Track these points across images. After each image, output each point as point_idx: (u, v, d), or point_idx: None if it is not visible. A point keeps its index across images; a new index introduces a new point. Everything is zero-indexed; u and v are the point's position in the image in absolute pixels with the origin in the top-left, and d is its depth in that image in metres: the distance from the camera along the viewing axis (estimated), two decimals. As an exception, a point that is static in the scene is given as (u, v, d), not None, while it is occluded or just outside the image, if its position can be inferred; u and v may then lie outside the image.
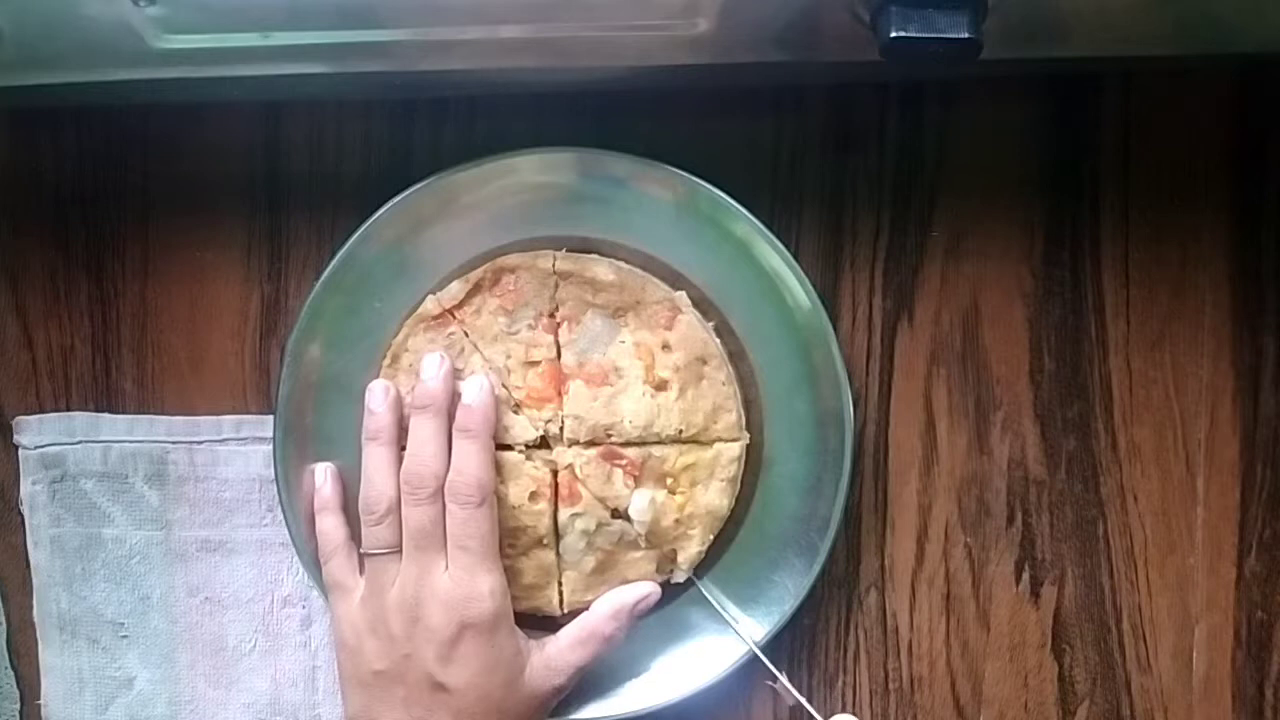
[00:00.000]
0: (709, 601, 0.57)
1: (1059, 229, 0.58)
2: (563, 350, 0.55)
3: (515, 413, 0.55)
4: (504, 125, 0.58)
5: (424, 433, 0.53)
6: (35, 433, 0.59)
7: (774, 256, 0.55)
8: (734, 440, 0.56)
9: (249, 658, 0.59)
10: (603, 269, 0.55)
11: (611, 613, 0.54)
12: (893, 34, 0.44)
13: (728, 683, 0.56)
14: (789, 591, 0.56)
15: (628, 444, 0.55)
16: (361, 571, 0.54)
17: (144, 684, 0.59)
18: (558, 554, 0.55)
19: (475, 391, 0.53)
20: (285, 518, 0.56)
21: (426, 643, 0.51)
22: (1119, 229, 0.58)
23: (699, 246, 0.56)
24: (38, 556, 0.59)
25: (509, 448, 0.55)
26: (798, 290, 0.55)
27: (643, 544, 0.55)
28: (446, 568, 0.52)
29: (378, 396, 0.54)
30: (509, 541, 0.55)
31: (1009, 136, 0.58)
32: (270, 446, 0.56)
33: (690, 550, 0.56)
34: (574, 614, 0.56)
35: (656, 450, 0.55)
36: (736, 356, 0.56)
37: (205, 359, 0.59)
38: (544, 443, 0.55)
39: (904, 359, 0.59)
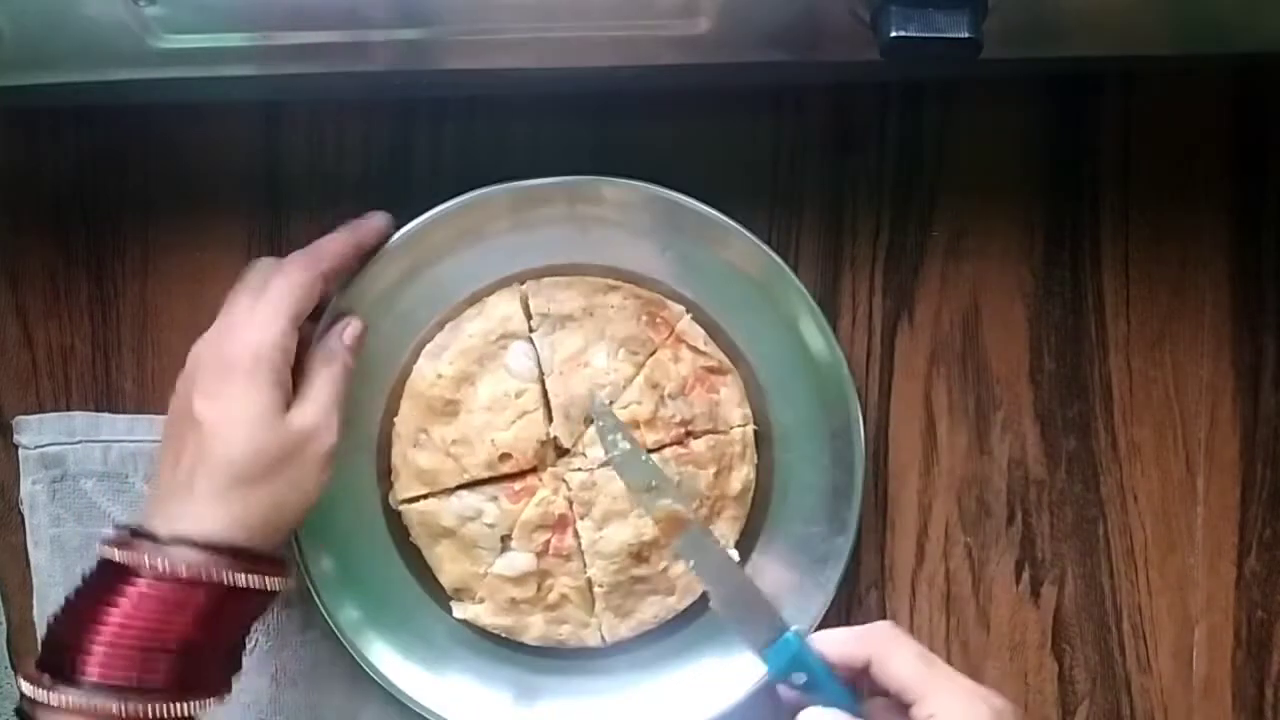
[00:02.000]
0: (718, 629, 0.56)
1: (1059, 229, 0.58)
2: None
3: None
4: (504, 125, 0.58)
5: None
6: (35, 432, 0.59)
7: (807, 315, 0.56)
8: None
9: (249, 657, 0.59)
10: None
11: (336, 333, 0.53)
12: (893, 33, 0.44)
13: (741, 711, 0.56)
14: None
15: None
16: None
17: (144, 684, 0.59)
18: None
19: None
20: None
21: (201, 374, 0.49)
22: (1119, 229, 0.58)
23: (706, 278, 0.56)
24: (38, 556, 0.59)
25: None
26: (816, 338, 0.56)
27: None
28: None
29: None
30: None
31: (1009, 136, 0.58)
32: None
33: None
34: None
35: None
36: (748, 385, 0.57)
37: (205, 359, 0.59)
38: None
39: (904, 359, 0.59)
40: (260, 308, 0.50)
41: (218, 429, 0.48)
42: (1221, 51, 0.53)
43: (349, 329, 0.53)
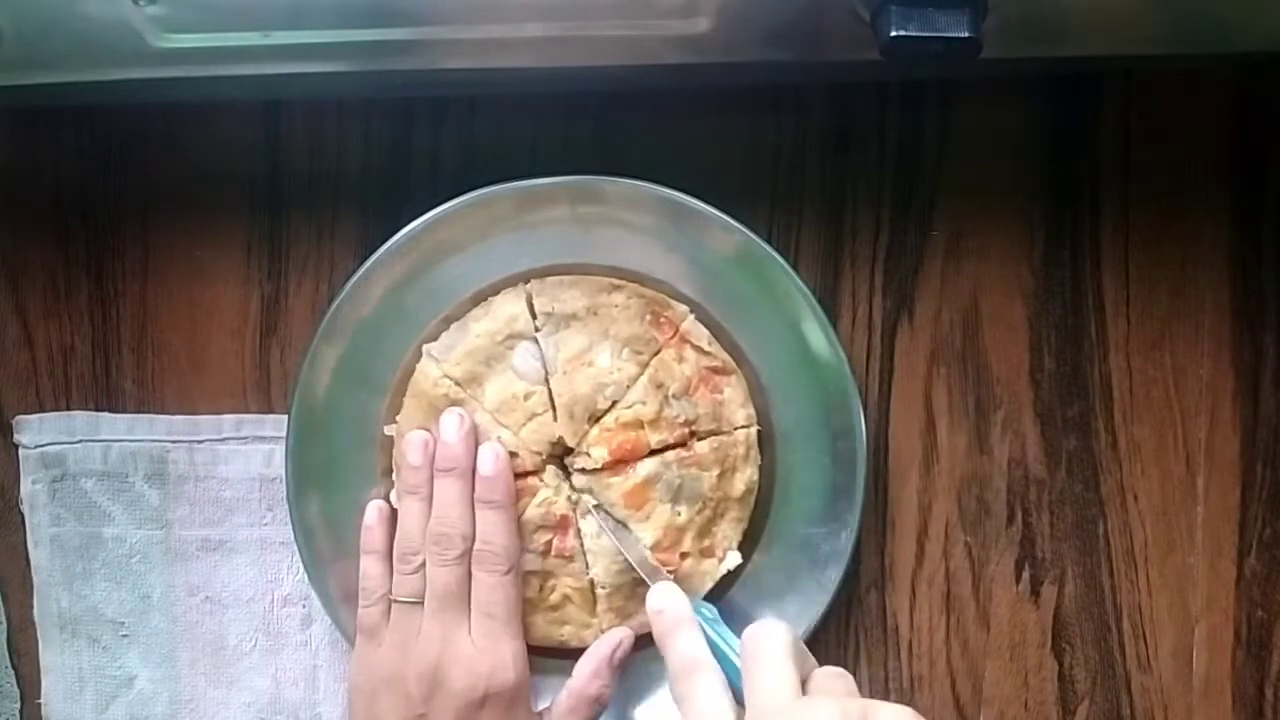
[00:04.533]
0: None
1: (1059, 229, 0.58)
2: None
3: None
4: (504, 125, 0.58)
5: (449, 495, 0.52)
6: (35, 432, 0.59)
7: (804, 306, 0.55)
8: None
9: (249, 657, 0.59)
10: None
11: (592, 671, 0.53)
12: (893, 33, 0.44)
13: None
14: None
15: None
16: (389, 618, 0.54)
17: (144, 683, 0.59)
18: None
19: (490, 461, 0.53)
20: (292, 517, 0.56)
21: (445, 708, 0.51)
22: (1119, 229, 0.58)
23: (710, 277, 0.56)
24: (38, 556, 0.59)
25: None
26: (817, 335, 0.55)
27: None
28: (470, 631, 0.52)
29: (415, 450, 0.53)
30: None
31: (1009, 136, 0.58)
32: (270, 446, 0.56)
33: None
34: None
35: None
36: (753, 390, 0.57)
37: (205, 358, 0.59)
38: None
39: (904, 358, 0.59)
40: (496, 632, 0.51)
41: None
42: (1221, 51, 0.53)
43: (619, 647, 0.54)
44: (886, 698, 0.59)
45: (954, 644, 0.59)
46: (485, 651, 0.51)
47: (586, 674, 0.53)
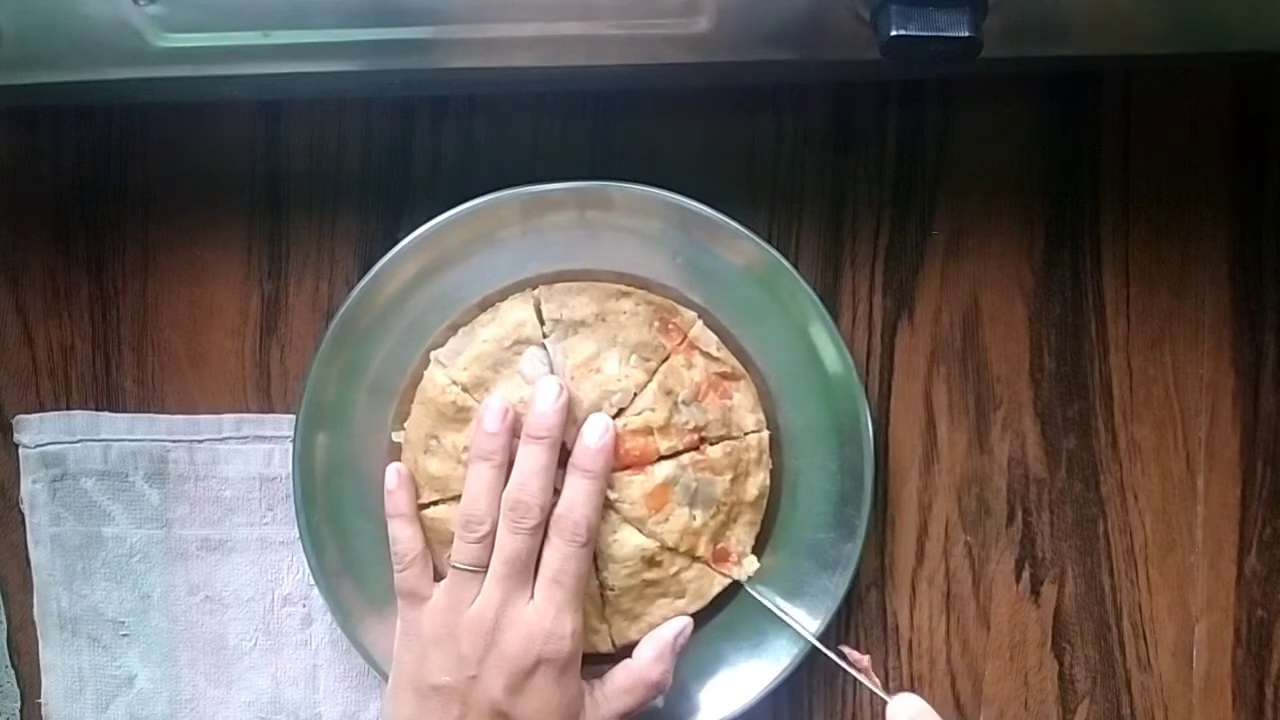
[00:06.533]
0: (726, 632, 0.57)
1: (1059, 228, 0.58)
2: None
3: None
4: (504, 124, 0.58)
5: (535, 463, 0.51)
6: (35, 431, 0.59)
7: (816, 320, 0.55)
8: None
9: (249, 656, 0.59)
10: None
11: (655, 655, 0.53)
12: (893, 32, 0.44)
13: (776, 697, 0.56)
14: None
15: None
16: (436, 579, 0.53)
17: (144, 682, 0.60)
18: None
19: (600, 433, 0.52)
20: (299, 525, 0.56)
21: (498, 670, 0.50)
22: (1119, 228, 0.58)
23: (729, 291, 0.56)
24: (38, 555, 0.59)
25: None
26: (829, 349, 0.56)
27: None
28: (531, 597, 0.51)
29: (494, 416, 0.52)
30: None
31: (1009, 136, 0.58)
32: (270, 445, 0.56)
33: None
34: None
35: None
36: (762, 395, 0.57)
37: (205, 357, 0.59)
38: None
39: (904, 357, 0.59)
40: (561, 601, 0.51)
41: None
42: (1221, 51, 0.53)
43: (682, 634, 0.55)
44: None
45: (954, 643, 0.59)
46: (544, 617, 0.50)
47: (649, 658, 0.53)
